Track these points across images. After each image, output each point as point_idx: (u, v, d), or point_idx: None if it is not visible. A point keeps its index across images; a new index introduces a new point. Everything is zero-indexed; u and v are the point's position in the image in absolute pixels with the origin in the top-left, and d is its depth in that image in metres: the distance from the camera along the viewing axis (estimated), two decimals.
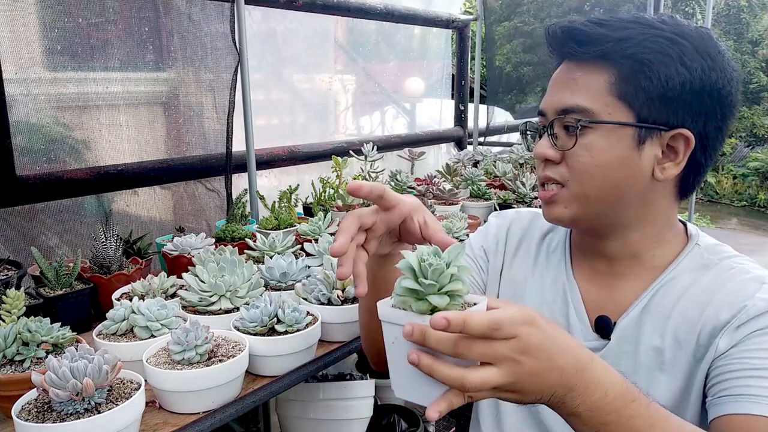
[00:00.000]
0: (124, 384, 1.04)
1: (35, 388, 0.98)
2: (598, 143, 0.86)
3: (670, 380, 0.88)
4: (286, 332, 1.28)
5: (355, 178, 2.54)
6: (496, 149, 3.64)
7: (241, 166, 2.28)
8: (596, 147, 0.86)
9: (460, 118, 3.90)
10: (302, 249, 1.78)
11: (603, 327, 0.94)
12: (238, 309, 1.37)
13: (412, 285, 0.62)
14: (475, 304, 0.66)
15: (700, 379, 0.85)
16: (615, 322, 0.93)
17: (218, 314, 1.37)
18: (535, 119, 0.97)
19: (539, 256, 1.07)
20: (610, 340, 0.93)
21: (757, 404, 0.75)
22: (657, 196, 0.90)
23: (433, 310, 0.62)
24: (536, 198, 2.45)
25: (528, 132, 1.02)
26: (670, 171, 0.87)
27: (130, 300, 1.32)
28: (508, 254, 1.10)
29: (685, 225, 0.98)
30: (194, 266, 1.40)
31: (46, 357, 1.07)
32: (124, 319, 1.27)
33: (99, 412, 0.95)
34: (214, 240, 1.82)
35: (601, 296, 0.97)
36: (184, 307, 1.39)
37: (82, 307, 1.45)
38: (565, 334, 0.66)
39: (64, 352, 1.00)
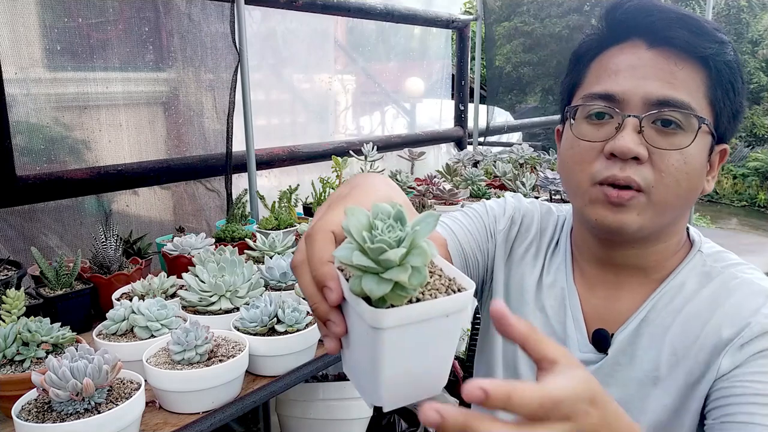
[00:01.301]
0: (124, 384, 1.04)
1: (35, 388, 0.98)
2: (692, 148, 0.78)
3: (664, 396, 0.84)
4: (286, 332, 1.28)
5: None
6: (496, 149, 3.64)
7: (241, 166, 2.28)
8: (690, 152, 0.78)
9: (460, 118, 3.90)
10: None
11: (600, 340, 0.89)
12: (238, 309, 1.37)
13: (345, 258, 0.47)
14: (460, 290, 0.51)
15: (699, 400, 0.81)
16: (613, 335, 0.88)
17: (218, 314, 1.37)
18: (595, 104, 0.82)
19: (546, 257, 1.00)
20: (607, 354, 0.88)
21: None
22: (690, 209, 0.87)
23: (366, 298, 0.47)
24: (536, 198, 2.45)
25: (591, 115, 0.82)
26: (711, 184, 0.84)
27: (130, 300, 1.32)
28: (519, 246, 1.01)
29: (687, 230, 0.93)
30: (194, 266, 1.40)
31: (46, 357, 1.07)
32: (124, 319, 1.27)
33: (99, 412, 0.95)
34: (214, 240, 1.82)
35: (600, 306, 0.91)
36: (184, 307, 1.39)
37: (82, 307, 1.45)
38: (620, 411, 0.54)
39: (64, 352, 1.00)
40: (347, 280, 0.50)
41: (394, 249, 0.46)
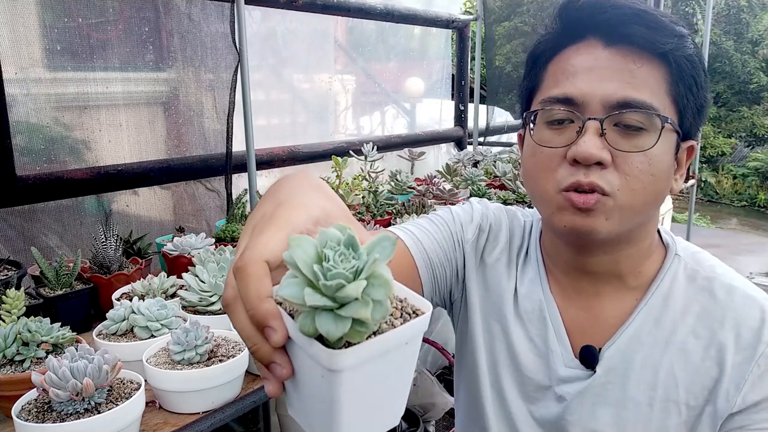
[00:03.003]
0: (124, 384, 1.04)
1: (35, 388, 0.98)
2: (657, 149, 0.75)
3: (662, 417, 0.80)
4: None
5: (355, 178, 2.54)
6: (496, 149, 3.64)
7: (241, 166, 2.28)
8: (654, 153, 0.75)
9: (460, 118, 3.90)
10: None
11: (588, 356, 0.85)
12: None
13: (295, 297, 0.41)
14: (416, 313, 0.47)
15: (710, 427, 0.78)
16: (600, 349, 0.84)
17: (218, 314, 1.37)
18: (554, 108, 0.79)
19: (518, 266, 0.95)
20: (595, 371, 0.84)
21: None
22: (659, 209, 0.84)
23: (320, 337, 0.42)
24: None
25: (552, 120, 0.80)
26: (679, 183, 0.82)
27: (130, 300, 1.32)
28: (489, 255, 0.96)
29: (658, 232, 0.89)
30: (194, 266, 1.40)
31: (46, 357, 1.07)
32: (124, 319, 1.27)
33: (99, 412, 0.95)
34: (214, 240, 1.82)
35: (581, 318, 0.88)
36: (184, 307, 1.39)
37: (82, 307, 1.45)
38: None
39: (64, 352, 1.00)
40: (291, 316, 0.44)
41: (353, 283, 0.40)
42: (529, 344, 0.91)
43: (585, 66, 0.77)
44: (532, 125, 0.82)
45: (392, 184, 2.69)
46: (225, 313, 0.51)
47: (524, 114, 0.86)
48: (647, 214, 0.80)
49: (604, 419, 0.83)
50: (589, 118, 0.75)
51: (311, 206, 0.50)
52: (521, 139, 0.91)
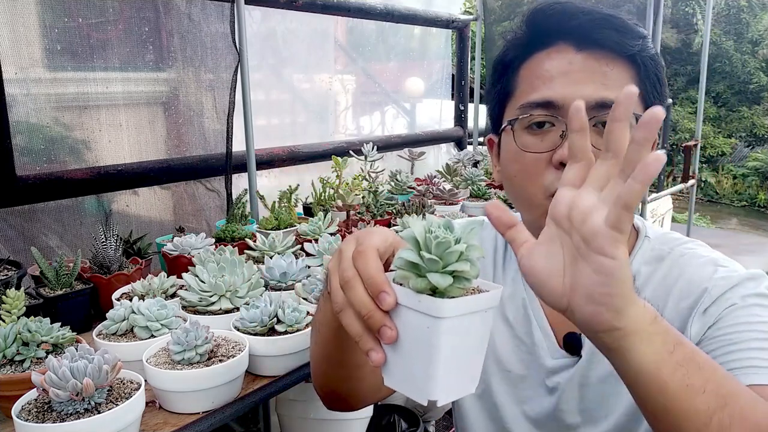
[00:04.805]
0: (124, 384, 1.04)
1: (35, 388, 0.98)
2: None
3: None
4: (286, 332, 1.28)
5: (355, 178, 2.54)
6: None
7: (241, 166, 2.28)
8: None
9: (460, 118, 3.90)
10: (302, 249, 1.78)
11: (572, 344, 0.88)
12: (238, 309, 1.37)
13: (412, 257, 0.55)
14: (487, 291, 0.59)
15: None
16: (580, 334, 0.87)
17: (218, 314, 1.37)
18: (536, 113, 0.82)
19: (496, 271, 0.98)
20: (581, 356, 0.87)
21: (757, 375, 0.71)
22: None
23: (434, 290, 0.55)
24: None
25: (532, 125, 0.82)
26: None
27: (130, 300, 1.32)
28: None
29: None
30: (194, 266, 1.40)
31: (46, 357, 1.07)
32: (124, 319, 1.27)
33: (99, 412, 0.95)
34: (214, 240, 1.82)
35: None
36: (184, 307, 1.39)
37: (82, 307, 1.45)
38: None
39: (64, 352, 1.00)
40: (400, 285, 0.57)
41: (455, 245, 0.54)
42: (515, 343, 0.93)
43: (560, 70, 0.80)
44: (512, 131, 0.84)
45: (392, 184, 2.69)
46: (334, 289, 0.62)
47: (495, 118, 0.90)
48: None
49: (591, 397, 0.87)
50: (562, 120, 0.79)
51: (385, 235, 0.65)
52: (492, 144, 0.93)
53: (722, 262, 0.84)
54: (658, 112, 0.50)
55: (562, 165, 0.78)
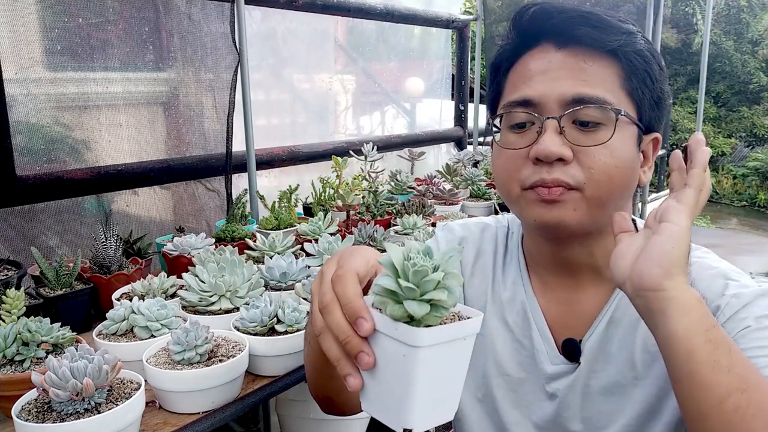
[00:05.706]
0: (124, 384, 1.04)
1: (35, 388, 0.98)
2: (615, 140, 0.78)
3: (646, 391, 0.84)
4: (286, 332, 1.28)
5: (355, 178, 2.54)
6: None
7: (241, 166, 2.28)
8: (614, 145, 0.78)
9: (460, 118, 3.90)
10: (302, 249, 1.78)
11: (571, 349, 0.88)
12: (238, 309, 1.37)
13: (389, 284, 0.54)
14: (468, 318, 0.58)
15: None
16: (580, 341, 0.87)
17: (218, 314, 1.37)
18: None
19: (496, 274, 0.98)
20: (579, 363, 0.87)
21: None
22: (630, 200, 0.88)
23: (411, 318, 0.54)
24: None
25: (514, 124, 0.84)
26: (648, 174, 0.86)
27: (130, 300, 1.32)
28: (464, 274, 1.00)
29: (634, 222, 0.94)
30: (194, 266, 1.40)
31: (46, 357, 1.07)
32: (124, 319, 1.27)
33: (99, 412, 0.95)
34: (214, 240, 1.82)
35: (562, 312, 0.90)
36: (184, 307, 1.39)
37: (82, 307, 1.45)
38: None
39: (64, 352, 1.00)
40: (379, 311, 0.56)
41: (433, 273, 0.54)
42: (515, 346, 0.93)
43: (540, 69, 0.82)
44: (497, 130, 0.87)
45: (392, 184, 2.69)
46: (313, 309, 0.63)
47: (488, 120, 0.91)
48: (615, 205, 0.82)
49: (593, 406, 0.87)
50: (548, 118, 0.79)
51: (367, 256, 0.64)
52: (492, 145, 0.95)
53: (732, 275, 0.82)
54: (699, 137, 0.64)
55: (539, 160, 0.79)
